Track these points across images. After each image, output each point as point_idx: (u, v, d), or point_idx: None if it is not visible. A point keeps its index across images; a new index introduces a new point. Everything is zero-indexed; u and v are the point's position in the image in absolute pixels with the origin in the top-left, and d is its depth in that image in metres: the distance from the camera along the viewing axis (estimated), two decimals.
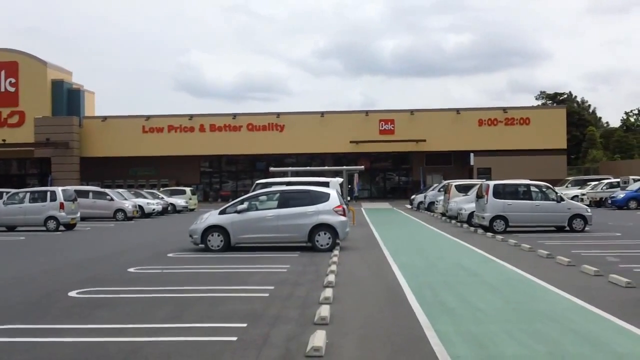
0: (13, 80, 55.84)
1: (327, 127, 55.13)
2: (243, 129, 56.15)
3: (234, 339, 8.53)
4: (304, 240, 18.76)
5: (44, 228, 27.63)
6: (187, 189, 47.00)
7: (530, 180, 26.45)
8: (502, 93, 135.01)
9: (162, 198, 41.62)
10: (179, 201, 43.47)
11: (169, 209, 41.33)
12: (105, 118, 57.45)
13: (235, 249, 18.81)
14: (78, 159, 55.65)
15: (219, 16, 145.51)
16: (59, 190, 28.53)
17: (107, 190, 37.00)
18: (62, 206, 27.71)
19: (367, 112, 56.65)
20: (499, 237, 21.76)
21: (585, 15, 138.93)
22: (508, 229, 23.73)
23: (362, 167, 44.33)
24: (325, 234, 18.60)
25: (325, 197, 19.05)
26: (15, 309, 10.79)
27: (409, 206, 44.43)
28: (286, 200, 19.09)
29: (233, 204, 19.41)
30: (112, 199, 35.34)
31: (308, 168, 45.15)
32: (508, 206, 23.86)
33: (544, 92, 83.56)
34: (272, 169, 40.02)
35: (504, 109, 56.17)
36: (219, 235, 18.61)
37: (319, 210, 18.69)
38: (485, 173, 50.76)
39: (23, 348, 8.28)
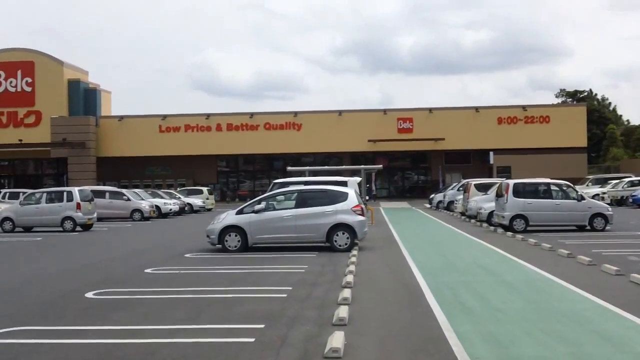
0: (29, 80, 55.94)
1: (345, 125, 54.95)
2: (260, 128, 56.07)
3: (252, 340, 8.47)
4: (322, 240, 18.65)
5: (61, 228, 27.64)
6: (204, 189, 47.08)
7: (551, 178, 26.22)
8: (521, 90, 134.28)
9: (179, 198, 41.66)
10: (196, 201, 43.51)
11: (186, 209, 41.32)
12: (121, 118, 57.54)
13: (252, 249, 18.75)
14: (94, 159, 55.73)
15: (234, 14, 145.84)
16: (75, 190, 28.50)
17: (123, 191, 37.05)
18: (78, 206, 27.69)
19: (385, 111, 56.46)
20: (519, 236, 21.58)
21: (605, 11, 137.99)
22: (528, 228, 23.51)
23: (380, 166, 44.25)
24: (343, 233, 18.46)
25: (343, 197, 18.92)
26: (31, 310, 10.78)
27: (428, 205, 44.21)
28: (304, 200, 18.98)
29: (250, 203, 19.33)
30: (129, 199, 35.41)
31: (326, 167, 45.12)
32: (528, 205, 23.64)
33: (564, 89, 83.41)
34: (289, 168, 40.02)
35: (524, 107, 55.74)
36: (236, 236, 18.52)
37: (337, 210, 18.56)
38: (505, 172, 50.34)
39: (40, 350, 8.24)
